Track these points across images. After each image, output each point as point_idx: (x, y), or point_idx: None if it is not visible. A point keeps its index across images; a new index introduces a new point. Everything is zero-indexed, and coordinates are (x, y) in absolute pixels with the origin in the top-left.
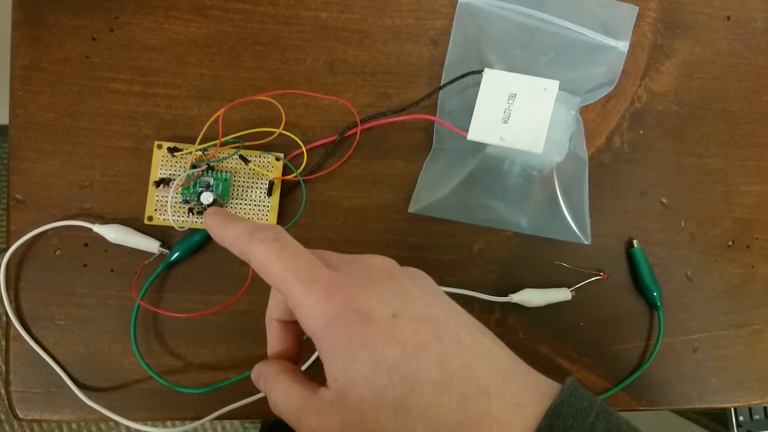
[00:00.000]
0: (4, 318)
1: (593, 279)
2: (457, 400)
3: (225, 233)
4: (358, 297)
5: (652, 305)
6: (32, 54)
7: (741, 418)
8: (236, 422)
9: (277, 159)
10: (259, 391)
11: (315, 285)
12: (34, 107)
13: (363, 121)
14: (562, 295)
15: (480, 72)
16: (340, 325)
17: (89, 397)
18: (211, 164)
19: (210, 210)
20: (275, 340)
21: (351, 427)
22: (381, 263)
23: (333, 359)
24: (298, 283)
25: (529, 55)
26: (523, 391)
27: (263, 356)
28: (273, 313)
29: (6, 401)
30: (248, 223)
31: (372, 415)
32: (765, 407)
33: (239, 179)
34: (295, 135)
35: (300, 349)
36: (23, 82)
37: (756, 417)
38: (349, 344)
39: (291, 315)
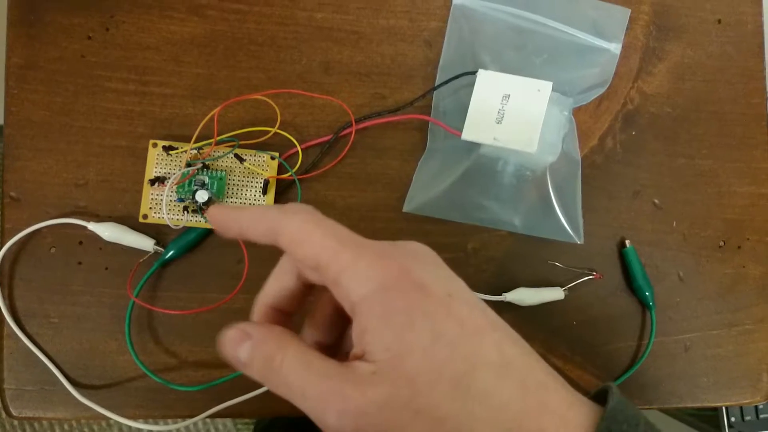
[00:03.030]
0: None
1: (586, 278)
2: (518, 387)
3: (244, 213)
4: (414, 269)
5: (644, 305)
6: (28, 52)
7: (732, 419)
8: (229, 422)
9: (272, 158)
10: (255, 389)
11: (366, 250)
12: (30, 106)
13: (358, 121)
14: (555, 294)
15: (474, 73)
16: (397, 292)
17: (83, 394)
18: (206, 163)
19: (215, 204)
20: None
21: (396, 403)
22: (424, 248)
23: (385, 327)
24: (346, 249)
25: (522, 56)
26: (571, 393)
27: None
28: (268, 297)
29: None
30: (270, 205)
31: (425, 390)
32: (756, 407)
33: (234, 178)
34: (290, 134)
35: None
36: (18, 80)
37: (747, 418)
38: (407, 311)
39: (288, 303)
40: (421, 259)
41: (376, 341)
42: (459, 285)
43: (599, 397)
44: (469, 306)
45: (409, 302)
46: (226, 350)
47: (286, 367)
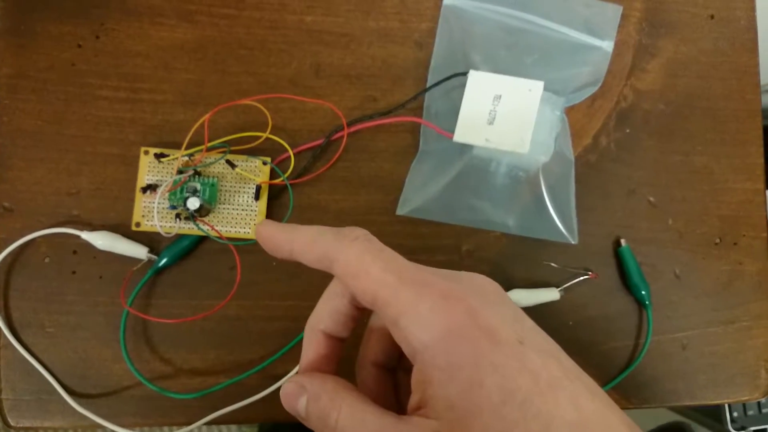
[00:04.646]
0: None
1: (581, 278)
2: None
3: (297, 235)
4: (481, 311)
5: (640, 304)
6: (18, 62)
7: (735, 414)
8: (234, 427)
9: (264, 163)
10: (250, 396)
11: (428, 290)
12: (21, 115)
13: (349, 124)
14: (551, 295)
15: (465, 74)
16: (462, 341)
17: (80, 403)
18: (198, 169)
19: (263, 221)
20: (315, 355)
21: None
22: (490, 283)
23: (451, 381)
24: (406, 287)
25: (513, 56)
26: None
27: (253, 361)
28: (320, 322)
29: None
30: (325, 226)
31: None
32: (759, 402)
33: (226, 184)
34: (281, 139)
35: (336, 373)
36: (10, 90)
37: (750, 413)
38: (476, 364)
39: (342, 329)
40: (487, 298)
41: (439, 396)
42: (529, 328)
43: None
44: (542, 354)
45: (476, 353)
46: (285, 404)
47: (341, 426)
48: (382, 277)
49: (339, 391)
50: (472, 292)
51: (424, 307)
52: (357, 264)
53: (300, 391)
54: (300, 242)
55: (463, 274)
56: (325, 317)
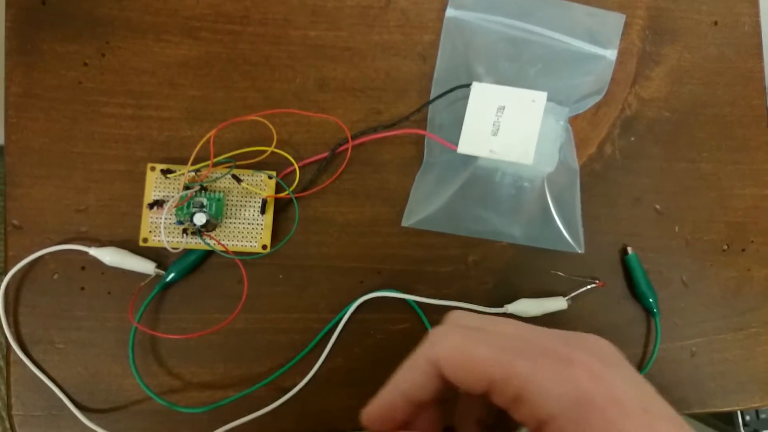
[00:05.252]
0: (3, 343)
1: (588, 287)
2: None
3: (399, 377)
4: (604, 376)
5: (648, 312)
6: (26, 81)
7: (747, 418)
8: None
9: (270, 177)
10: (259, 409)
11: (546, 359)
12: (29, 134)
13: (354, 137)
14: (558, 304)
15: (468, 85)
16: (591, 409)
17: (90, 419)
18: (204, 185)
19: (362, 412)
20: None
21: None
22: (606, 343)
23: None
24: (521, 359)
25: (517, 67)
26: None
27: (261, 374)
28: (416, 395)
29: (8, 425)
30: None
31: None
32: None
33: (232, 198)
34: (287, 153)
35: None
36: (18, 109)
37: (762, 416)
38: None
39: (432, 392)
40: (607, 359)
41: None
42: (650, 393)
43: None
44: (667, 422)
45: (605, 422)
46: None
47: None
48: (491, 356)
49: None
50: (590, 354)
51: (545, 378)
52: (461, 354)
53: None
54: (404, 382)
55: (574, 334)
56: (420, 388)
